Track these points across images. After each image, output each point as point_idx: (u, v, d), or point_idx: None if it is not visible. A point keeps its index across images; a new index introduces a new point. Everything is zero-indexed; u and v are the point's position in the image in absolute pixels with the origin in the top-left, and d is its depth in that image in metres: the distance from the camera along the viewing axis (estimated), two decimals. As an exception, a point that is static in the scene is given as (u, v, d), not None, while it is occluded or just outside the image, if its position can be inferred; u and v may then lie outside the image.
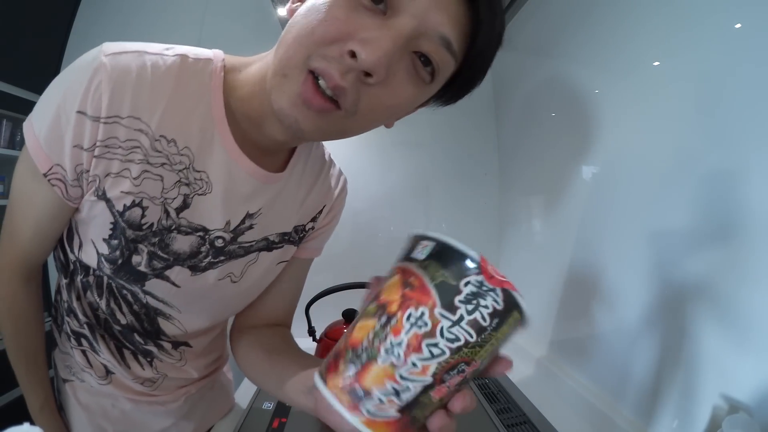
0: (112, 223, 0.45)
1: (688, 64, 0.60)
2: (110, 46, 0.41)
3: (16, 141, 1.71)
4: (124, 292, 0.51)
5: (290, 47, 0.37)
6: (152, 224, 0.45)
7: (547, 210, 1.04)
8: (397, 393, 0.24)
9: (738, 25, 0.52)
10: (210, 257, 0.50)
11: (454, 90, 0.43)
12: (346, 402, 0.25)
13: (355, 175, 1.29)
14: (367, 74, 0.35)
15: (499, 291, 0.24)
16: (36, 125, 0.41)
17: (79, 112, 0.39)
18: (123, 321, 0.53)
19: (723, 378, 0.54)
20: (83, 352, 0.56)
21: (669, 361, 0.63)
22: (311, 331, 0.95)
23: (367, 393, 0.24)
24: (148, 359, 0.57)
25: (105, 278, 0.50)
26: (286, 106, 0.37)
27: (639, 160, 0.70)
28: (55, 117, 0.40)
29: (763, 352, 0.49)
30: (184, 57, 0.43)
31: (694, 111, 0.59)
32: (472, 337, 0.24)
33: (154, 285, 0.50)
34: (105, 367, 0.56)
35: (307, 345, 0.86)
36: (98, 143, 0.40)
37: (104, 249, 0.46)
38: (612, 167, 0.78)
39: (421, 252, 0.25)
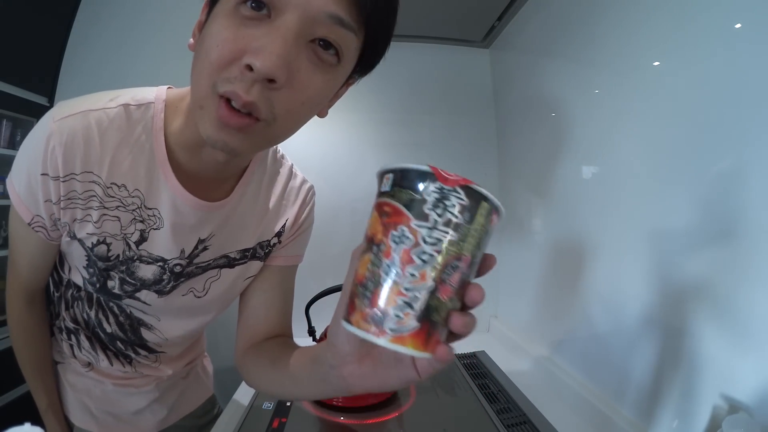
0: (85, 256, 0.52)
1: (688, 64, 0.60)
2: (59, 111, 0.46)
3: (16, 141, 1.70)
4: (111, 304, 0.58)
5: (198, 80, 0.38)
6: (118, 255, 0.52)
7: (547, 210, 1.04)
8: (408, 305, 0.27)
9: (738, 25, 0.52)
10: (172, 282, 0.56)
11: (366, 59, 0.43)
12: (371, 330, 0.27)
13: (355, 176, 1.29)
14: (271, 80, 0.35)
15: (458, 188, 0.27)
16: (15, 184, 0.48)
17: (42, 174, 0.46)
18: (108, 330, 0.60)
19: (723, 378, 0.54)
20: (70, 345, 0.64)
21: (669, 361, 0.63)
22: (311, 331, 0.95)
23: (385, 313, 0.27)
24: (127, 360, 0.65)
25: (93, 294, 0.57)
26: (212, 133, 0.38)
27: (639, 160, 0.70)
28: (26, 179, 0.47)
29: (763, 352, 0.49)
30: (126, 107, 0.47)
31: (694, 111, 0.59)
32: (450, 234, 0.27)
33: (129, 303, 0.57)
34: (87, 360, 0.64)
35: (308, 344, 0.86)
36: (62, 197, 0.47)
37: (85, 274, 0.54)
38: (612, 167, 0.78)
39: (387, 184, 0.29)
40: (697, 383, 0.57)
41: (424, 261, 0.27)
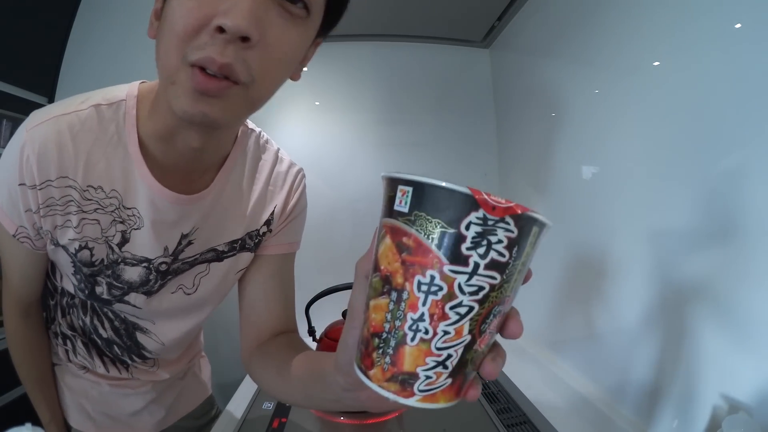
0: (71, 263, 0.51)
1: (688, 64, 0.60)
2: (31, 120, 0.45)
3: (16, 141, 1.70)
4: (105, 309, 0.57)
5: (166, 56, 0.37)
6: (102, 260, 0.51)
7: (547, 210, 1.04)
8: (441, 364, 0.22)
9: (738, 25, 0.52)
10: (159, 281, 0.55)
11: (333, 10, 0.43)
12: (395, 390, 0.23)
13: (355, 176, 1.29)
14: (244, 39, 0.35)
15: (508, 219, 0.20)
16: None
17: (20, 184, 0.45)
18: (104, 335, 0.60)
19: (723, 378, 0.54)
20: (66, 351, 0.63)
21: (669, 361, 0.63)
22: (311, 331, 0.95)
23: (413, 375, 0.22)
24: (124, 366, 0.65)
25: (86, 300, 0.57)
26: (188, 106, 0.37)
27: (639, 160, 0.70)
28: (6, 191, 0.46)
29: (763, 352, 0.49)
30: (97, 107, 0.46)
31: (694, 111, 0.59)
32: (495, 279, 0.21)
33: (120, 308, 0.56)
34: (83, 365, 0.64)
35: (312, 350, 0.86)
36: (41, 206, 0.47)
37: (73, 281, 0.54)
38: (612, 167, 0.78)
39: (403, 203, 0.22)
40: (697, 383, 0.57)
41: (461, 315, 0.21)
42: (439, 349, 0.22)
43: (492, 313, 0.22)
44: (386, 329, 0.23)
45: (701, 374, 0.57)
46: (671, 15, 0.63)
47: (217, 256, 0.57)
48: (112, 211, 0.49)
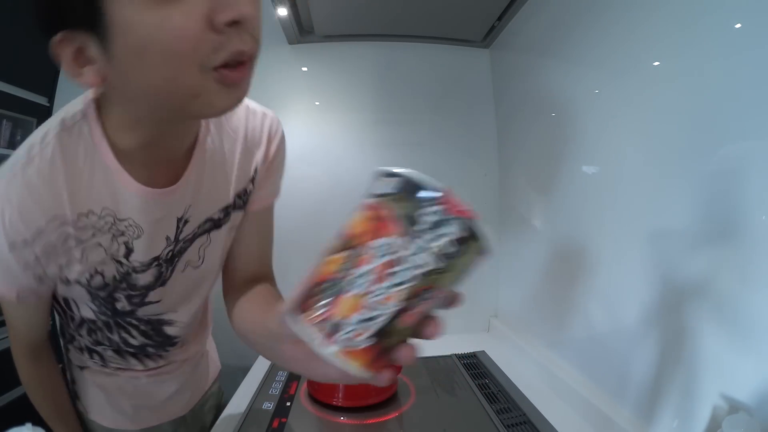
0: (87, 292, 0.52)
1: (688, 64, 0.60)
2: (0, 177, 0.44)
3: (16, 141, 1.70)
4: (128, 319, 0.58)
5: (173, 80, 0.35)
6: (114, 276, 0.52)
7: (547, 210, 1.04)
8: (368, 320, 0.25)
9: (738, 25, 0.52)
10: (169, 268, 0.56)
11: None
12: (320, 335, 0.25)
13: (355, 176, 1.29)
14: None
15: (460, 220, 0.25)
16: None
17: (10, 248, 0.44)
18: (135, 343, 0.62)
19: (723, 378, 0.54)
20: (95, 362, 0.64)
21: (669, 361, 0.63)
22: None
23: (340, 323, 0.25)
24: (159, 356, 0.66)
25: (109, 320, 0.58)
26: (228, 103, 0.38)
27: (639, 159, 0.70)
28: None
29: (763, 352, 0.49)
30: (58, 136, 0.44)
31: (694, 111, 0.59)
32: (433, 263, 0.25)
33: (143, 311, 0.57)
34: (118, 367, 0.65)
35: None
36: (41, 256, 0.46)
37: (93, 307, 0.55)
38: (612, 167, 0.78)
39: (386, 187, 0.26)
40: (697, 383, 0.57)
41: (398, 283, 0.25)
42: (370, 307, 0.25)
43: (422, 296, 0.25)
44: (333, 278, 0.26)
45: (701, 374, 0.57)
46: (671, 15, 0.63)
47: (215, 224, 0.57)
48: (109, 228, 0.49)
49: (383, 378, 0.27)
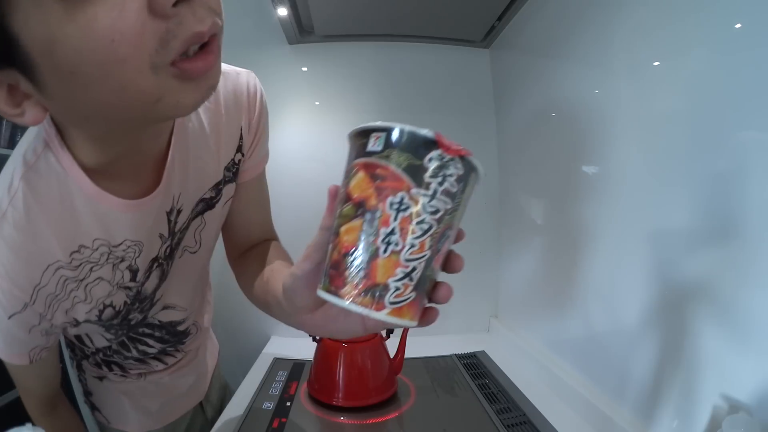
0: (99, 326, 0.51)
1: (688, 64, 0.60)
2: None
3: (16, 141, 1.70)
4: (141, 329, 0.58)
5: (125, 90, 0.29)
6: (125, 302, 0.51)
7: (547, 210, 1.04)
8: (408, 275, 0.26)
9: (738, 25, 0.52)
10: (169, 261, 0.54)
11: None
12: (368, 303, 0.26)
13: (355, 175, 1.29)
14: None
15: (458, 159, 0.27)
16: None
17: (10, 316, 0.42)
18: (153, 351, 0.63)
19: (723, 378, 0.54)
20: (115, 374, 0.65)
21: (669, 361, 0.63)
22: (311, 331, 0.95)
23: (385, 287, 0.26)
24: (177, 350, 0.68)
25: (124, 340, 0.58)
26: (197, 98, 0.32)
27: (639, 159, 0.70)
28: (1, 335, 0.44)
29: (763, 352, 0.49)
30: (26, 176, 0.39)
31: (694, 111, 0.59)
32: (448, 204, 0.26)
33: (153, 314, 0.58)
34: (139, 373, 0.66)
35: (308, 344, 0.86)
36: (44, 312, 0.43)
37: (108, 336, 0.55)
38: (612, 167, 0.78)
39: (377, 144, 0.26)
40: (697, 383, 0.57)
41: (424, 231, 0.26)
42: (407, 260, 0.26)
43: (445, 235, 0.27)
44: (360, 246, 0.26)
45: (701, 374, 0.57)
46: (671, 15, 0.63)
47: (208, 204, 0.54)
48: (107, 260, 0.45)
49: (430, 320, 0.29)
